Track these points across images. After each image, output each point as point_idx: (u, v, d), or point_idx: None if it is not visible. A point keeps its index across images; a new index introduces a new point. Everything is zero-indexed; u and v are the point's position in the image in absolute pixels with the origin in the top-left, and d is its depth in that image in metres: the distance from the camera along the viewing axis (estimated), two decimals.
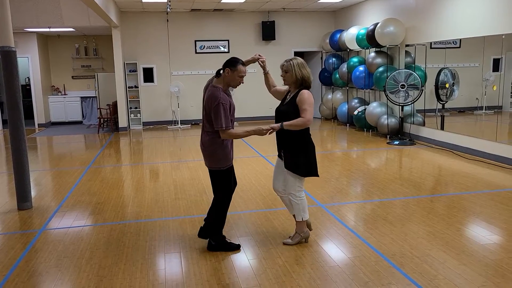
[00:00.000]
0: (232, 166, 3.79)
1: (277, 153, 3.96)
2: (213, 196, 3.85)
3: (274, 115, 3.94)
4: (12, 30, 5.05)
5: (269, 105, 11.35)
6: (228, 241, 3.90)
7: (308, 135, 3.80)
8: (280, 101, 4.01)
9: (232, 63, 3.61)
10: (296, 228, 3.96)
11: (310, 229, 4.04)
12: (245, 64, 3.70)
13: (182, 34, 12.13)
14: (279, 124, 3.63)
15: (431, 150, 8.02)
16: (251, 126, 3.61)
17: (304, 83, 3.76)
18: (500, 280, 3.19)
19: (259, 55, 3.97)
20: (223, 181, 3.75)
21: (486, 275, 3.27)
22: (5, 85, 5.00)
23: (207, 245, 3.87)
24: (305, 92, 3.72)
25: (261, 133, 3.56)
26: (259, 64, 4.01)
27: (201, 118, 3.80)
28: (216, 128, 3.57)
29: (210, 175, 3.81)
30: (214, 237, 3.84)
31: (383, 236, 4.06)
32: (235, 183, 3.92)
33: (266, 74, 4.11)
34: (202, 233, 3.87)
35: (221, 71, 3.65)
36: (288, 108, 3.76)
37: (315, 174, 3.85)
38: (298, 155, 3.74)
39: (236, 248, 3.85)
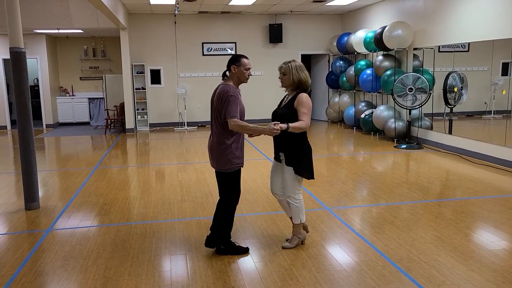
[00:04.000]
0: (240, 169, 3.73)
1: (274, 156, 3.91)
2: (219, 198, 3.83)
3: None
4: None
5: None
6: (237, 244, 3.86)
7: (306, 136, 3.81)
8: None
9: (236, 60, 3.65)
10: (293, 231, 3.94)
11: (307, 231, 4.04)
12: (247, 58, 3.71)
13: (190, 36, 12.17)
14: (285, 125, 3.57)
15: (439, 154, 7.97)
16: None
17: (301, 86, 3.73)
18: (509, 286, 3.15)
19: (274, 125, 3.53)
20: (230, 183, 3.70)
21: (495, 281, 3.23)
22: (15, 86, 5.02)
23: (215, 249, 3.83)
24: (303, 96, 3.68)
25: (271, 133, 3.51)
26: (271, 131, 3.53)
27: (207, 120, 3.94)
28: (224, 119, 3.53)
29: (217, 177, 3.76)
30: (223, 241, 3.79)
31: (390, 240, 4.03)
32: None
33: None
34: (208, 243, 3.82)
35: (227, 72, 3.68)
36: (286, 111, 3.72)
37: (313, 176, 3.84)
38: (299, 156, 3.72)
39: (244, 251, 3.80)
